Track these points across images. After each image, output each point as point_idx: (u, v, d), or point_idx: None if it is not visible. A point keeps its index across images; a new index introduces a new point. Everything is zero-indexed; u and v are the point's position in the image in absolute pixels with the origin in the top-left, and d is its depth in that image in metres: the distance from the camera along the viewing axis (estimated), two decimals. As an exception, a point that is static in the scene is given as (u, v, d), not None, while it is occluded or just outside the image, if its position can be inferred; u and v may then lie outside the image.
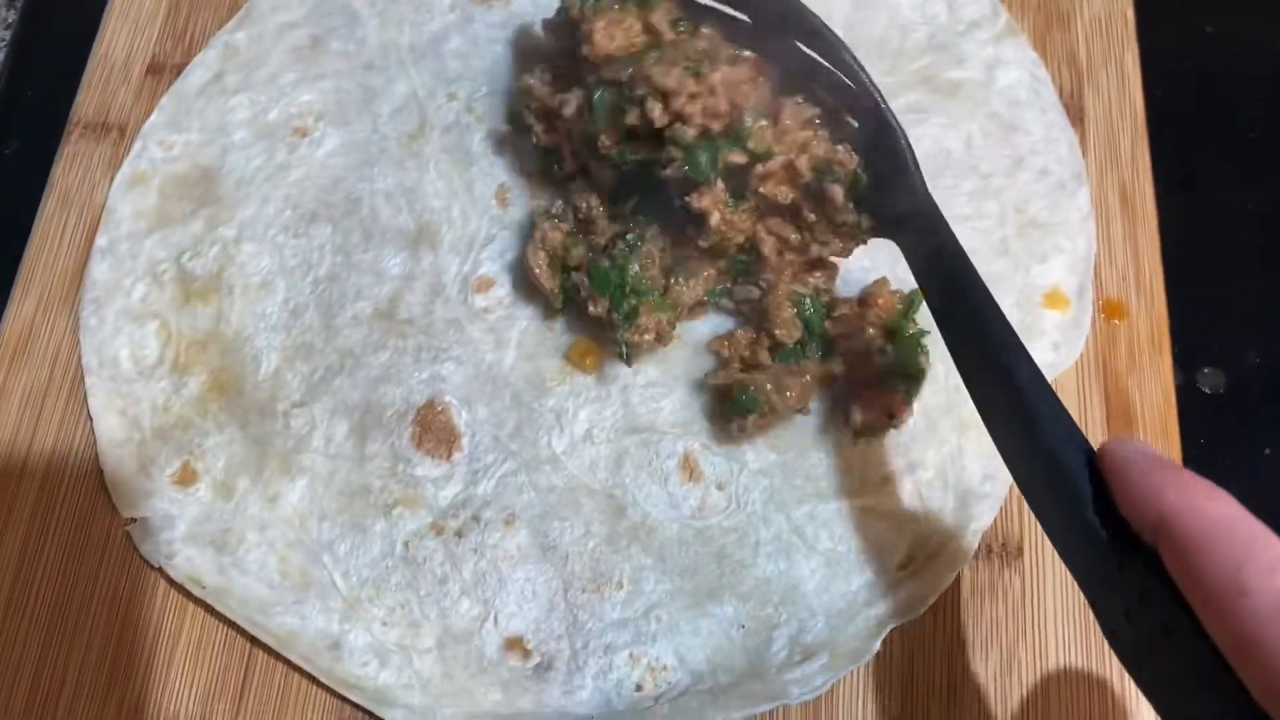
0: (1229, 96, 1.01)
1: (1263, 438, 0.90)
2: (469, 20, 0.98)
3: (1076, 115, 0.95)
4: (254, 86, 0.96)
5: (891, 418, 0.81)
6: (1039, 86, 0.96)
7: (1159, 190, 0.93)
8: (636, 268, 0.81)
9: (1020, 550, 0.81)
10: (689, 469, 0.83)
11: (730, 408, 0.81)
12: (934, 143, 0.93)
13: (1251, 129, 1.00)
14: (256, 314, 0.88)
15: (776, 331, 0.83)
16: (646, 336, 0.82)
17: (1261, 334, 0.93)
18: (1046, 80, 0.96)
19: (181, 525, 0.81)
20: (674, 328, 0.84)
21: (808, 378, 0.81)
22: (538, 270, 0.84)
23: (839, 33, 0.94)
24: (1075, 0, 1.00)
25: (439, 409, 0.85)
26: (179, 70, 0.98)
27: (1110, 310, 0.89)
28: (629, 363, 0.83)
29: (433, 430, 0.84)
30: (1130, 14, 1.00)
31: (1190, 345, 0.91)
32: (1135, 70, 0.97)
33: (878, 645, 0.77)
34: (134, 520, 0.82)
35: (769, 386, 0.80)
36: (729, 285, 0.85)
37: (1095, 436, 0.85)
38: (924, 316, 0.83)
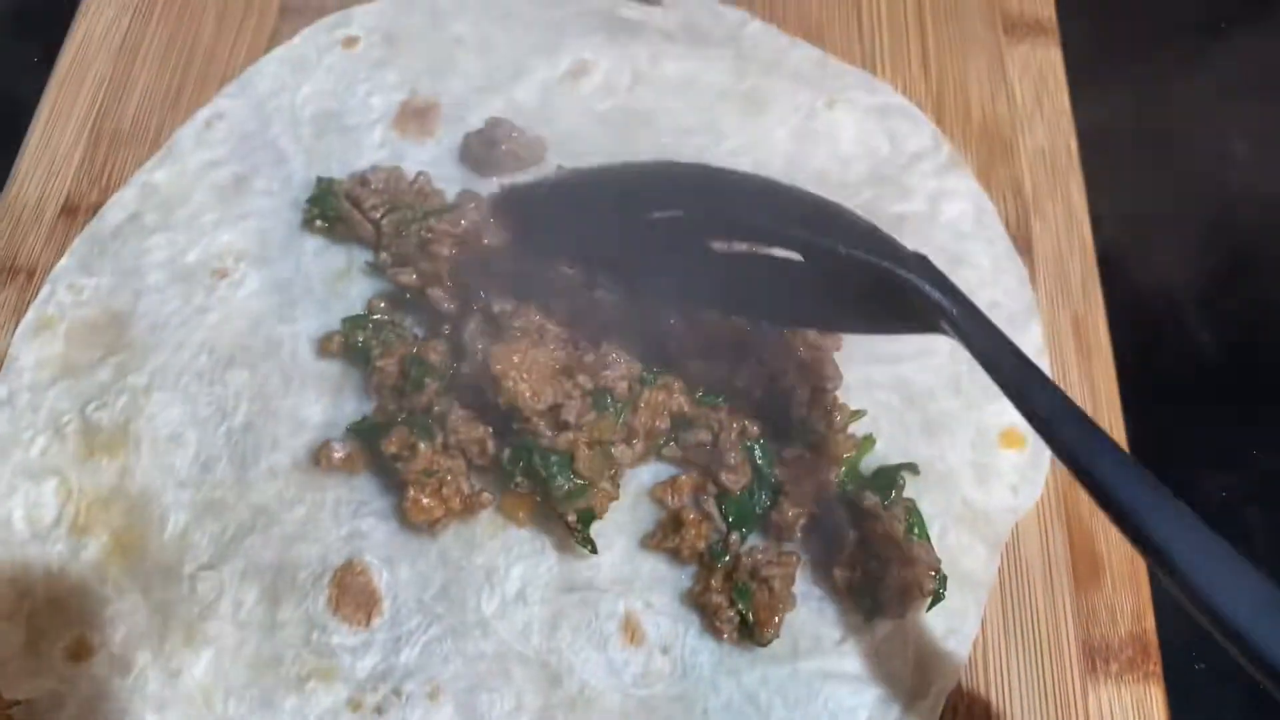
0: (1183, 223, 1.00)
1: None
2: (400, 157, 0.95)
3: (1024, 246, 0.93)
4: (173, 227, 0.92)
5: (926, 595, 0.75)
6: (985, 218, 0.94)
7: (1112, 322, 0.91)
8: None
9: (988, 712, 0.75)
10: (631, 631, 0.77)
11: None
12: (880, 277, 0.90)
13: (1208, 255, 0.98)
14: (164, 468, 0.82)
15: (723, 476, 0.79)
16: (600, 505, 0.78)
17: (1226, 468, 0.90)
18: (992, 212, 0.94)
19: (72, 706, 0.74)
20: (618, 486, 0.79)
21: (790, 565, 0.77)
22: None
23: (780, 164, 0.93)
24: (1017, 131, 0.99)
25: (358, 570, 0.78)
26: (95, 210, 0.94)
27: (1069, 448, 0.85)
28: (589, 548, 0.78)
29: (351, 593, 0.78)
30: (1073, 145, 0.99)
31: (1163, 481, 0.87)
32: (1082, 199, 0.96)
33: (837, 826, 0.70)
34: (18, 703, 0.74)
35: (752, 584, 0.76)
36: (673, 435, 0.81)
37: (1063, 583, 0.80)
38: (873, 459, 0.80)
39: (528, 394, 0.75)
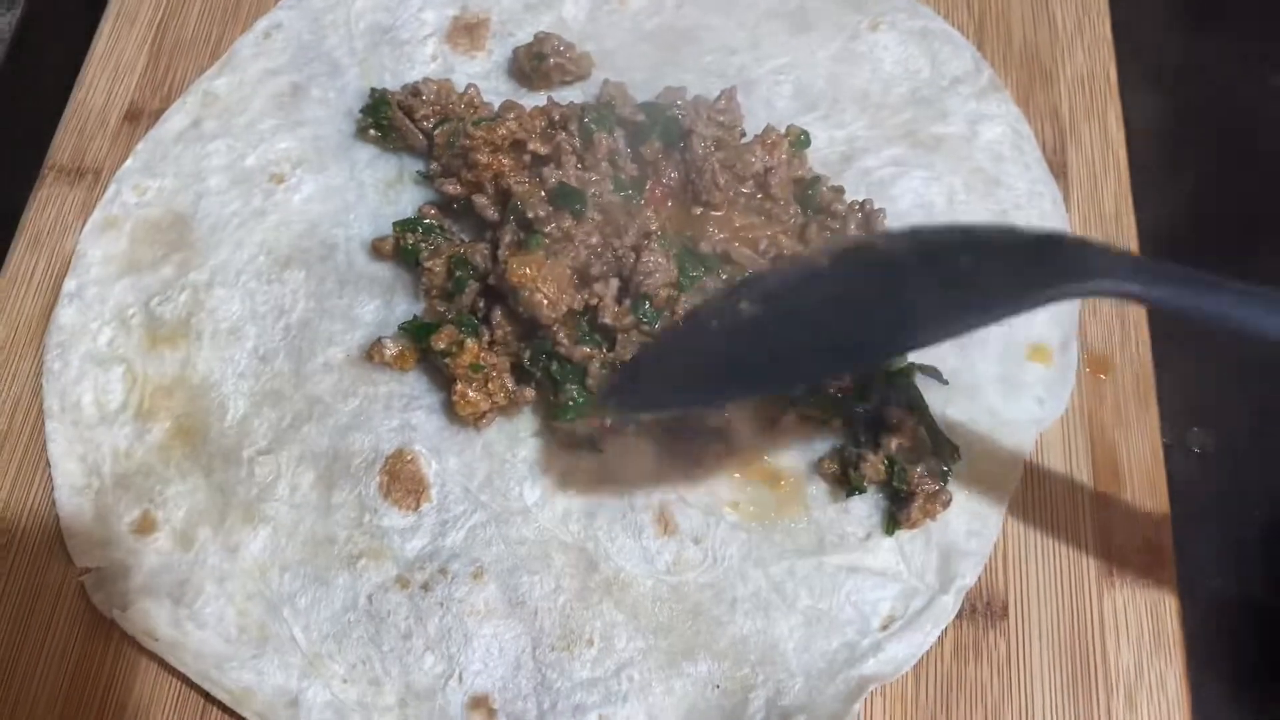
0: (1216, 151, 1.01)
1: (1253, 498, 0.88)
2: (450, 70, 0.98)
3: (1060, 170, 0.95)
4: (232, 133, 0.95)
5: (946, 505, 0.79)
6: (1022, 142, 0.95)
7: (1143, 247, 0.92)
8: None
9: (1005, 610, 0.79)
10: (664, 522, 0.80)
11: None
12: (916, 196, 0.92)
13: (1243, 187, 0.99)
14: (225, 360, 0.86)
15: None
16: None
17: (1251, 392, 0.91)
18: (1029, 136, 0.96)
19: (138, 576, 0.79)
20: None
21: None
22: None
23: (823, 85, 0.95)
24: (1058, 57, 1.00)
25: (408, 458, 0.82)
26: (157, 117, 0.97)
27: (1096, 365, 0.87)
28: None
29: (401, 480, 0.82)
30: (1113, 72, 1.00)
31: (1178, 404, 0.89)
32: (1119, 126, 0.97)
33: (858, 707, 0.74)
34: (89, 570, 0.79)
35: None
36: None
37: (1083, 492, 0.83)
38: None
39: (544, 303, 0.78)
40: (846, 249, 0.75)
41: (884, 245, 0.74)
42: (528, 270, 0.78)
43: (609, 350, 0.80)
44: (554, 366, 0.80)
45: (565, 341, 0.79)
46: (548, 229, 0.82)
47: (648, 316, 0.80)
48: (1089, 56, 1.00)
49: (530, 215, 0.83)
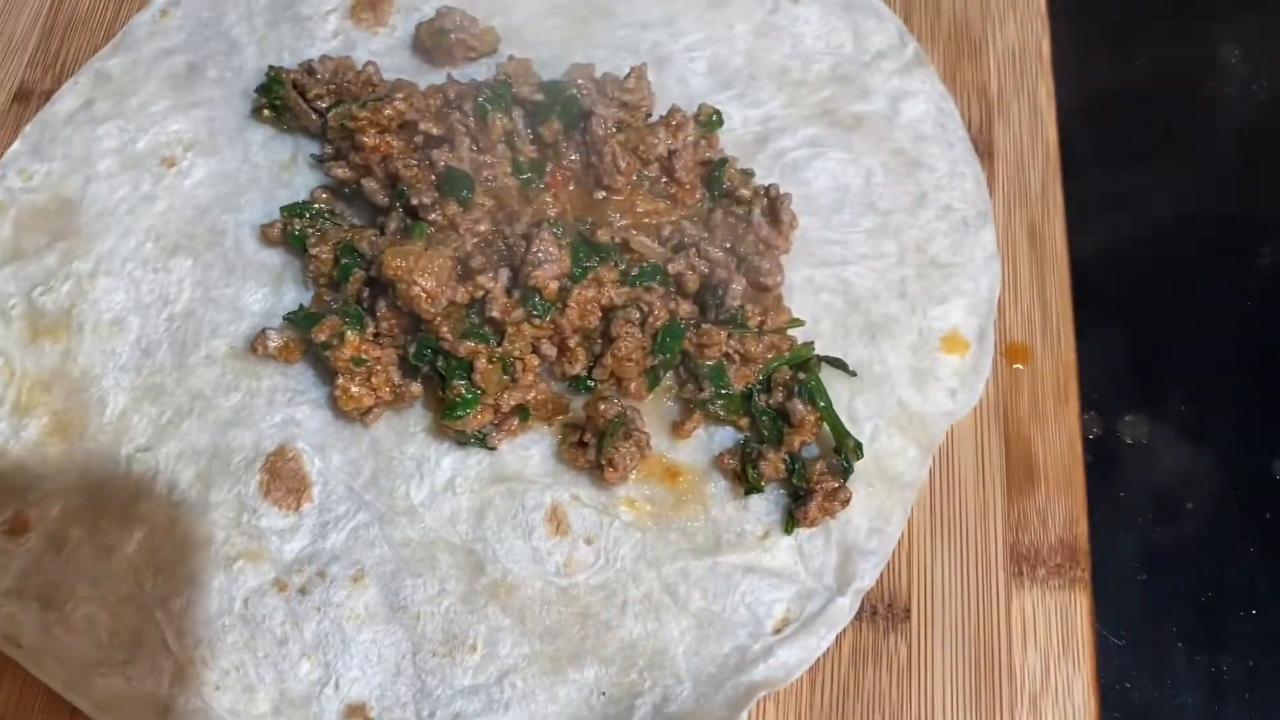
0: (1152, 124, 0.97)
1: (1185, 489, 0.85)
2: (351, 47, 0.94)
3: (985, 150, 0.91)
4: (124, 115, 0.92)
5: (845, 504, 0.76)
6: (945, 120, 0.91)
7: (1072, 228, 0.88)
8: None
9: (908, 612, 0.75)
10: (556, 521, 0.77)
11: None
12: (832, 178, 0.88)
13: (1174, 155, 0.95)
14: (106, 352, 0.83)
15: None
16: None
17: (1186, 378, 0.88)
18: (954, 113, 0.92)
19: (5, 578, 0.76)
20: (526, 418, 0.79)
21: None
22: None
23: (739, 62, 0.91)
24: (988, 30, 0.96)
25: (290, 456, 0.79)
26: (48, 97, 0.93)
27: (1013, 354, 0.84)
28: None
29: (282, 478, 0.78)
30: (1046, 45, 0.96)
31: (1109, 392, 0.86)
32: (1050, 103, 0.93)
33: (744, 715, 0.71)
34: (-45, 574, 0.76)
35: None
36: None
37: (995, 488, 0.79)
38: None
39: (422, 296, 0.75)
40: None
41: None
42: (402, 263, 0.75)
43: (498, 344, 0.77)
44: (439, 361, 0.77)
45: (449, 336, 0.76)
46: (432, 216, 0.78)
47: (538, 309, 0.77)
48: (1021, 29, 0.96)
49: (415, 202, 0.79)
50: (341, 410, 0.79)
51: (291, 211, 0.84)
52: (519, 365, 0.77)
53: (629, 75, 0.88)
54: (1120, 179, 0.92)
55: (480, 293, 0.77)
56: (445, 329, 0.76)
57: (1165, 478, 0.85)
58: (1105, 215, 0.91)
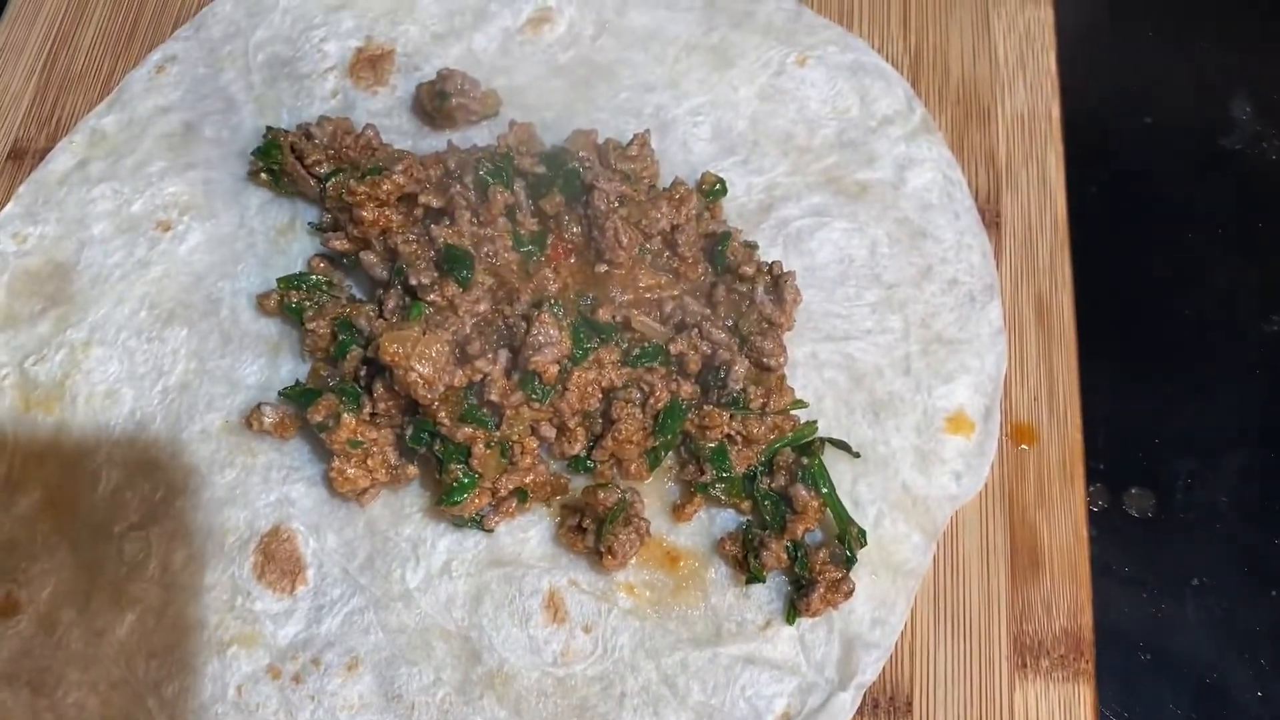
0: (1162, 195, 0.96)
1: (1191, 566, 0.84)
2: (351, 107, 0.93)
3: (992, 219, 0.89)
4: (119, 176, 0.91)
5: (848, 595, 0.74)
6: (952, 189, 0.90)
7: (1079, 298, 0.87)
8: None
9: (910, 705, 0.74)
10: (554, 608, 0.76)
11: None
12: (836, 249, 0.87)
13: (1187, 228, 0.94)
14: (100, 425, 0.82)
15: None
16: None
17: (1193, 451, 0.87)
18: (961, 182, 0.90)
19: (-4, 662, 0.75)
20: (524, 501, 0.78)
21: None
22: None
23: (743, 126, 0.90)
24: (996, 94, 0.94)
25: (284, 536, 0.78)
26: (43, 155, 0.92)
27: (1019, 435, 0.82)
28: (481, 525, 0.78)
29: (276, 560, 0.77)
30: (1055, 110, 0.94)
31: (1116, 464, 0.85)
32: (1059, 171, 0.92)
33: (743, 817, 0.70)
34: (-55, 657, 0.75)
35: None
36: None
37: (999, 576, 0.78)
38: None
39: (420, 383, 0.74)
40: None
41: None
42: (399, 348, 0.73)
43: (496, 429, 0.76)
44: (437, 445, 0.76)
45: (447, 421, 0.75)
46: (430, 297, 0.77)
47: (537, 393, 0.76)
48: (1030, 92, 0.95)
49: (414, 281, 0.78)
50: (339, 493, 0.77)
51: (289, 284, 0.83)
52: (517, 448, 0.76)
53: (631, 143, 0.87)
54: (1129, 248, 0.91)
55: (479, 376, 0.76)
56: (443, 414, 0.75)
57: (1171, 553, 0.84)
58: (1113, 285, 0.90)
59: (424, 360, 0.74)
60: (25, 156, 0.93)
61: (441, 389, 0.74)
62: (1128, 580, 0.83)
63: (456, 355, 0.76)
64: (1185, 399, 0.89)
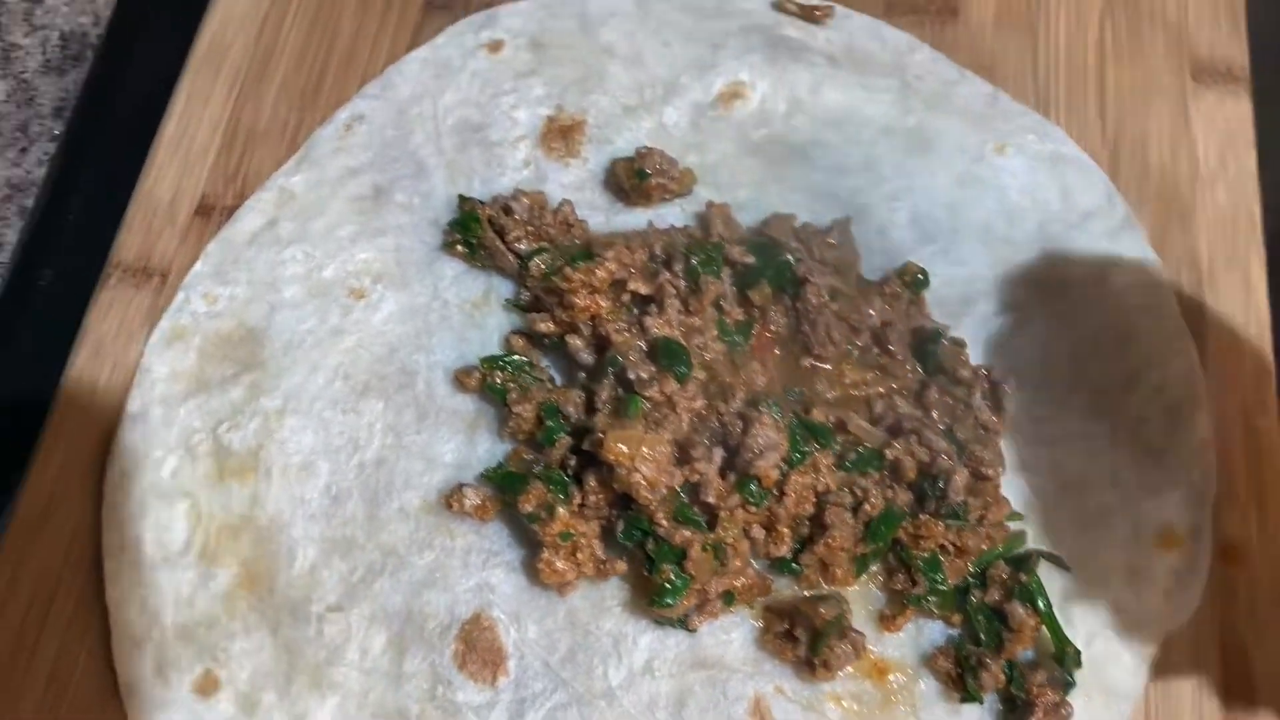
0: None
1: None
2: (543, 178, 0.92)
3: (1196, 325, 0.87)
4: (309, 238, 0.90)
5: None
6: (1156, 290, 0.88)
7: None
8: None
9: (1125, 836, 0.73)
10: (759, 716, 0.75)
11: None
12: (1039, 349, 0.85)
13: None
14: (295, 499, 0.81)
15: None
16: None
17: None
18: (1165, 284, 0.88)
19: (206, 744, 0.74)
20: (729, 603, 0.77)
21: None
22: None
23: (942, 215, 0.89)
24: (1198, 193, 0.92)
25: (485, 625, 0.77)
26: (229, 213, 0.91)
27: (1227, 556, 0.80)
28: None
29: (477, 649, 0.76)
30: (1257, 211, 0.91)
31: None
32: (1261, 275, 0.89)
33: None
34: (145, 735, 0.75)
35: None
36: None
37: (1211, 703, 0.76)
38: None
39: (643, 484, 0.72)
40: None
41: None
42: (625, 448, 0.72)
43: (710, 530, 0.74)
44: (650, 545, 0.74)
45: (664, 522, 0.73)
46: (649, 393, 0.76)
47: (754, 497, 0.74)
48: (1232, 192, 0.92)
49: (632, 376, 0.77)
50: (542, 582, 0.76)
51: (493, 364, 0.82)
52: (730, 550, 0.75)
53: (832, 229, 0.86)
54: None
55: (696, 477, 0.74)
56: (661, 515, 0.74)
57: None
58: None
59: (649, 462, 0.73)
60: (212, 213, 0.92)
61: (663, 491, 0.73)
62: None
63: (675, 455, 0.75)
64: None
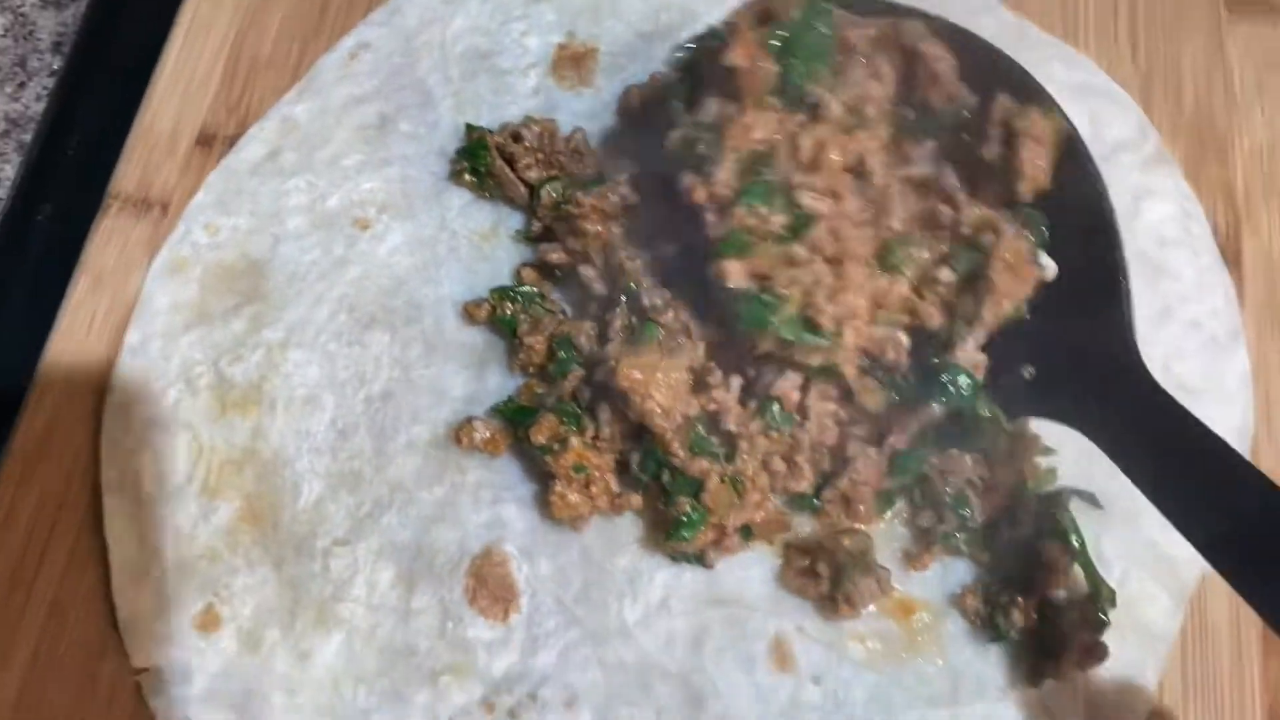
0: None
1: None
2: (554, 107, 0.88)
3: (1234, 259, 0.84)
4: (313, 168, 0.87)
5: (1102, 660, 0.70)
6: (1191, 224, 0.85)
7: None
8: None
9: (1158, 779, 0.70)
10: (780, 655, 0.72)
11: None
12: (1070, 283, 0.82)
13: None
14: (300, 432, 0.78)
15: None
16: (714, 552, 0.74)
17: None
18: (1200, 217, 0.85)
19: (200, 680, 0.72)
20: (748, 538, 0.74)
21: None
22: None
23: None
24: (1234, 125, 0.89)
25: (497, 560, 0.74)
26: (231, 143, 0.88)
27: (1265, 498, 0.77)
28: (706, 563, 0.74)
29: (489, 585, 0.74)
30: (1295, 141, 0.88)
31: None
32: (1301, 210, 0.86)
33: None
34: (146, 669, 0.72)
35: None
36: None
37: (1251, 643, 0.74)
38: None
39: (658, 412, 0.70)
40: None
41: None
42: (639, 374, 0.69)
43: (729, 461, 0.72)
44: (666, 477, 0.72)
45: (680, 453, 0.71)
46: (664, 319, 0.73)
47: (776, 422, 0.72)
48: (1269, 124, 0.89)
49: (646, 303, 0.74)
50: (554, 517, 0.74)
51: (503, 295, 0.79)
52: (748, 483, 0.72)
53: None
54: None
55: (713, 405, 0.72)
56: (676, 444, 0.71)
57: None
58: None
59: (663, 389, 0.70)
60: (214, 143, 0.89)
61: (679, 419, 0.70)
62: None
63: (692, 383, 0.72)
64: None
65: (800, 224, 0.69)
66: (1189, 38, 0.92)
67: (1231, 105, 0.90)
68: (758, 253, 0.69)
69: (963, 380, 0.70)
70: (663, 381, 0.70)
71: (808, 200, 0.69)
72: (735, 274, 0.68)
